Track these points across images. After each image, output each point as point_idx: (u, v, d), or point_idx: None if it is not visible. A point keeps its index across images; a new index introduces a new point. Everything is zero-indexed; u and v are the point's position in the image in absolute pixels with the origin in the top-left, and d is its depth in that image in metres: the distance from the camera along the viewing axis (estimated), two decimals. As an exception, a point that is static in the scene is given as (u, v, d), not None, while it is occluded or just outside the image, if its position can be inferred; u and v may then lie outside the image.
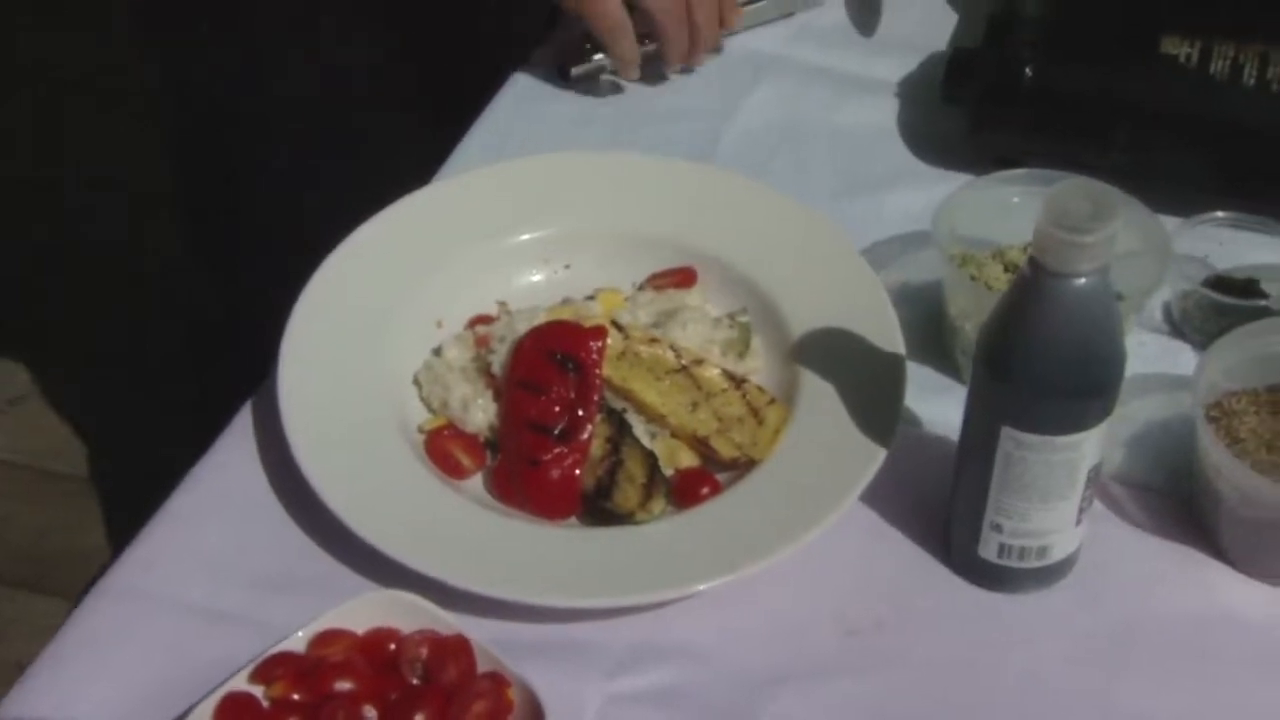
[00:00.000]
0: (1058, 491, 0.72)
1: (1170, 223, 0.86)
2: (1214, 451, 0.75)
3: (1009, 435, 0.70)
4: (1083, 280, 0.66)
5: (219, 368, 1.36)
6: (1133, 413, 0.82)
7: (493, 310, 0.87)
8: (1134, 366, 0.76)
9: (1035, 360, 0.68)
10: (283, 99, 1.12)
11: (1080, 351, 0.68)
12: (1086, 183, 0.67)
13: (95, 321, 1.99)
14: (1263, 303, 0.85)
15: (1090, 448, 0.71)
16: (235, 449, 0.83)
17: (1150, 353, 0.86)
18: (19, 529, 1.75)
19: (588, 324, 0.82)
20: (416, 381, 0.85)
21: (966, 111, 0.98)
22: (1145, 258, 0.83)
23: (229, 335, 1.30)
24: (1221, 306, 0.85)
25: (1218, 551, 0.78)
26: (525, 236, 0.90)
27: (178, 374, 1.48)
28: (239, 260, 1.24)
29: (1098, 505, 0.78)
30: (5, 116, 2.27)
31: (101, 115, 2.19)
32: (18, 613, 1.65)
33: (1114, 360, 0.69)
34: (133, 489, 1.68)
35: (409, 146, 1.02)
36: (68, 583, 1.59)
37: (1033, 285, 0.67)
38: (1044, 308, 0.67)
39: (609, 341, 0.82)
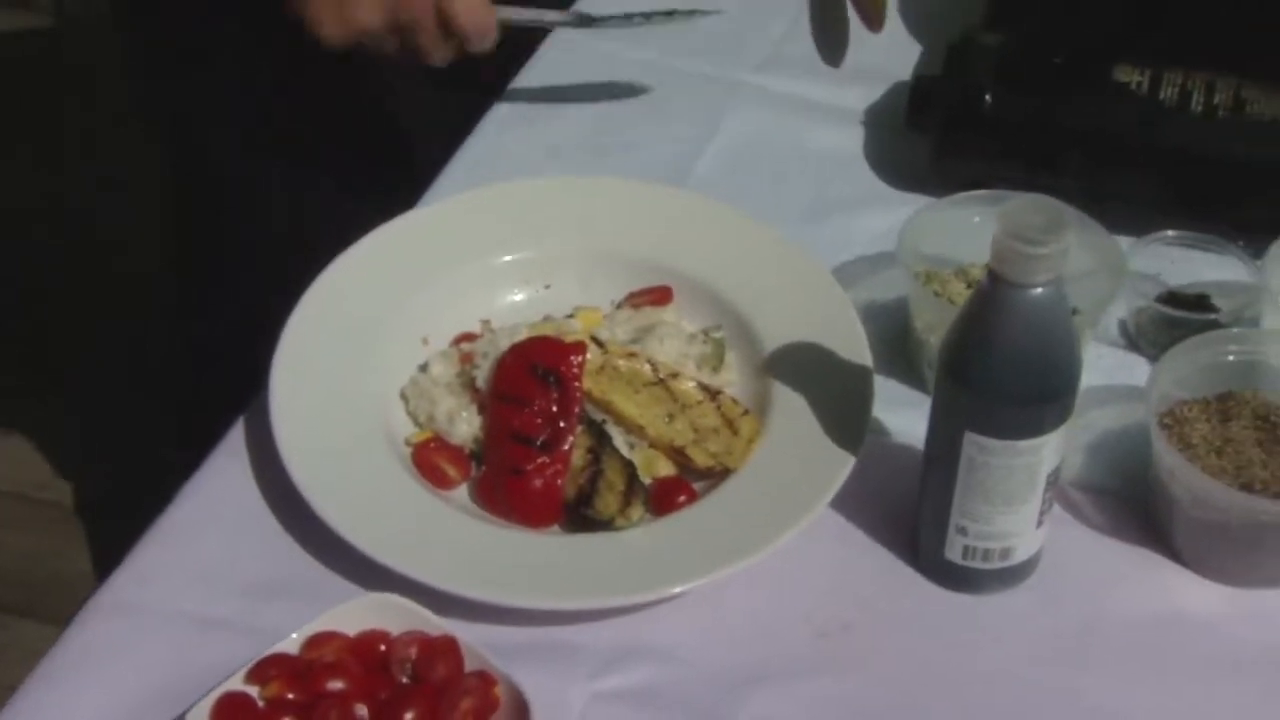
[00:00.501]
0: (1019, 495, 0.74)
1: (1124, 241, 0.89)
2: (1167, 457, 0.77)
3: (972, 440, 0.73)
4: (1038, 290, 0.69)
5: (213, 376, 1.37)
6: (1090, 422, 0.85)
7: (476, 328, 0.89)
8: (1091, 378, 0.79)
9: (995, 367, 0.71)
10: (278, 110, 1.14)
11: (1037, 359, 0.71)
12: (1040, 199, 0.69)
13: (94, 323, 2.00)
14: (1212, 316, 0.88)
15: (1049, 452, 0.73)
16: (227, 464, 0.85)
17: (1107, 365, 0.89)
18: (8, 556, 1.75)
19: (568, 339, 0.84)
20: (403, 396, 0.87)
21: (930, 138, 1.00)
22: (1101, 275, 0.86)
23: (226, 344, 1.31)
24: (1173, 320, 0.88)
25: (1172, 553, 0.80)
26: (507, 258, 0.93)
27: (173, 384, 1.49)
28: (236, 267, 1.25)
29: (1058, 509, 0.80)
30: (4, 118, 2.28)
31: (100, 119, 2.18)
32: (10, 638, 1.64)
33: (1070, 367, 0.72)
34: (121, 508, 1.69)
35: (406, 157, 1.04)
36: (58, 608, 1.58)
37: (991, 296, 0.70)
38: (1002, 317, 0.70)
39: (589, 356, 0.84)
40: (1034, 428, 0.72)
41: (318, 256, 0.92)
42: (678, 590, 0.76)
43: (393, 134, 1.22)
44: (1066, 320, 0.71)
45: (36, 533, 1.78)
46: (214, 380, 1.37)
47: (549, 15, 1.05)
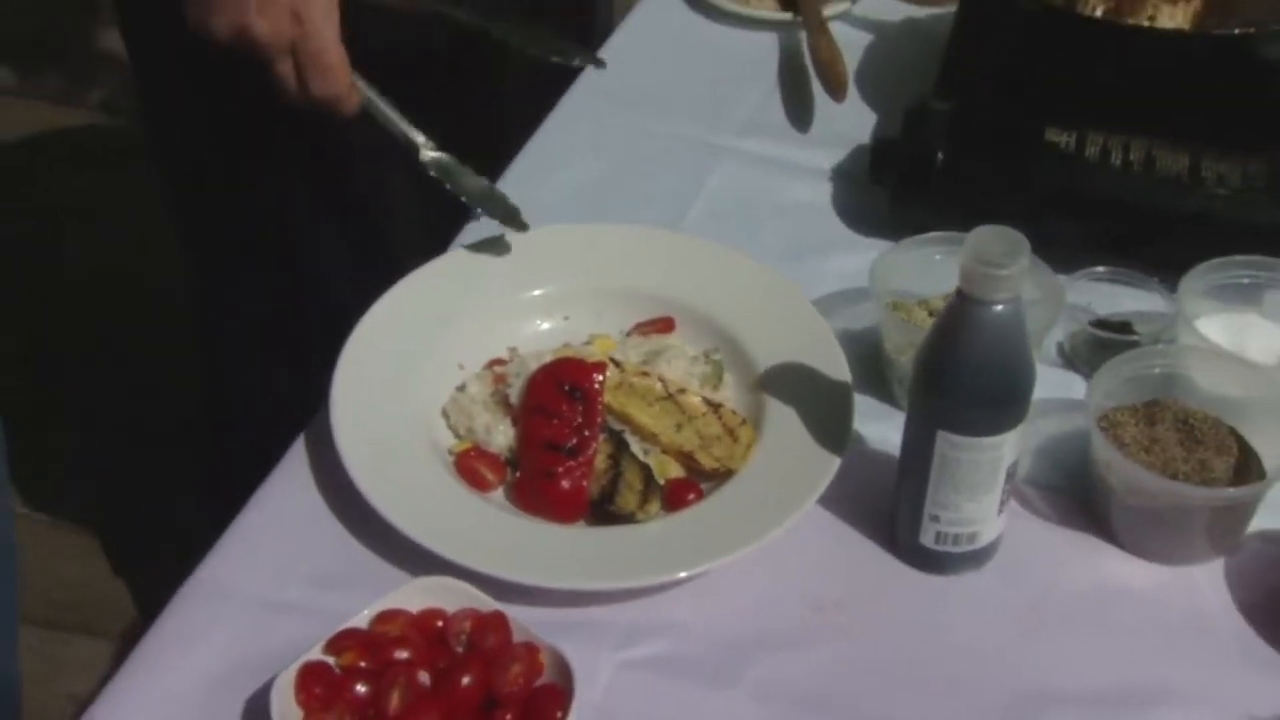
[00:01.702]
0: (984, 485, 0.79)
1: (1059, 277, 0.95)
2: (1105, 453, 0.83)
3: (944, 438, 0.78)
4: (1000, 307, 0.74)
5: (221, 398, 1.38)
6: (1038, 429, 0.90)
7: (505, 354, 0.93)
8: (1037, 392, 0.84)
9: (964, 374, 0.76)
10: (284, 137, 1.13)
11: (999, 366, 0.76)
12: (1001, 229, 0.74)
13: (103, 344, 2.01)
14: (1135, 338, 0.93)
15: (1009, 448, 0.79)
16: (293, 473, 0.89)
17: (1049, 382, 0.92)
18: (63, 580, 1.74)
19: (590, 360, 0.89)
20: (444, 413, 0.91)
21: (889, 191, 1.04)
22: (1043, 305, 0.91)
23: (235, 365, 1.33)
24: (1103, 343, 0.93)
25: (1110, 537, 0.85)
26: (531, 293, 0.97)
27: (183, 405, 1.50)
28: (241, 285, 1.26)
29: (1014, 504, 0.85)
30: (9, 156, 2.30)
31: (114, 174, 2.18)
32: (69, 654, 1.64)
33: (1026, 373, 0.77)
34: (144, 530, 1.70)
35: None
36: (112, 626, 1.61)
37: (960, 312, 0.75)
38: (970, 331, 0.75)
39: (608, 374, 0.88)
40: (996, 426, 0.77)
41: (320, 279, 0.94)
42: (690, 574, 0.81)
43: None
44: (1024, 333, 0.76)
45: (87, 560, 1.77)
46: (223, 403, 1.39)
47: (407, 130, 0.99)
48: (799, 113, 1.19)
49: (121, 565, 1.76)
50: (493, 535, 0.83)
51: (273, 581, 0.83)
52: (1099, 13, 1.12)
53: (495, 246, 0.99)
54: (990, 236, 0.74)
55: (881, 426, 0.90)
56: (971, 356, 0.76)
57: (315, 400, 0.90)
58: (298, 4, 0.92)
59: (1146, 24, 1.10)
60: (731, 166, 1.14)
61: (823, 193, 1.11)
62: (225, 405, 1.39)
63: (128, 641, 0.86)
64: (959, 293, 0.75)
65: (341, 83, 0.94)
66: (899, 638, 0.81)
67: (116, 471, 1.87)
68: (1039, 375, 0.91)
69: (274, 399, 0.98)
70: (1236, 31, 1.07)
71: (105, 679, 0.79)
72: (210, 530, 0.87)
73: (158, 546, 1.14)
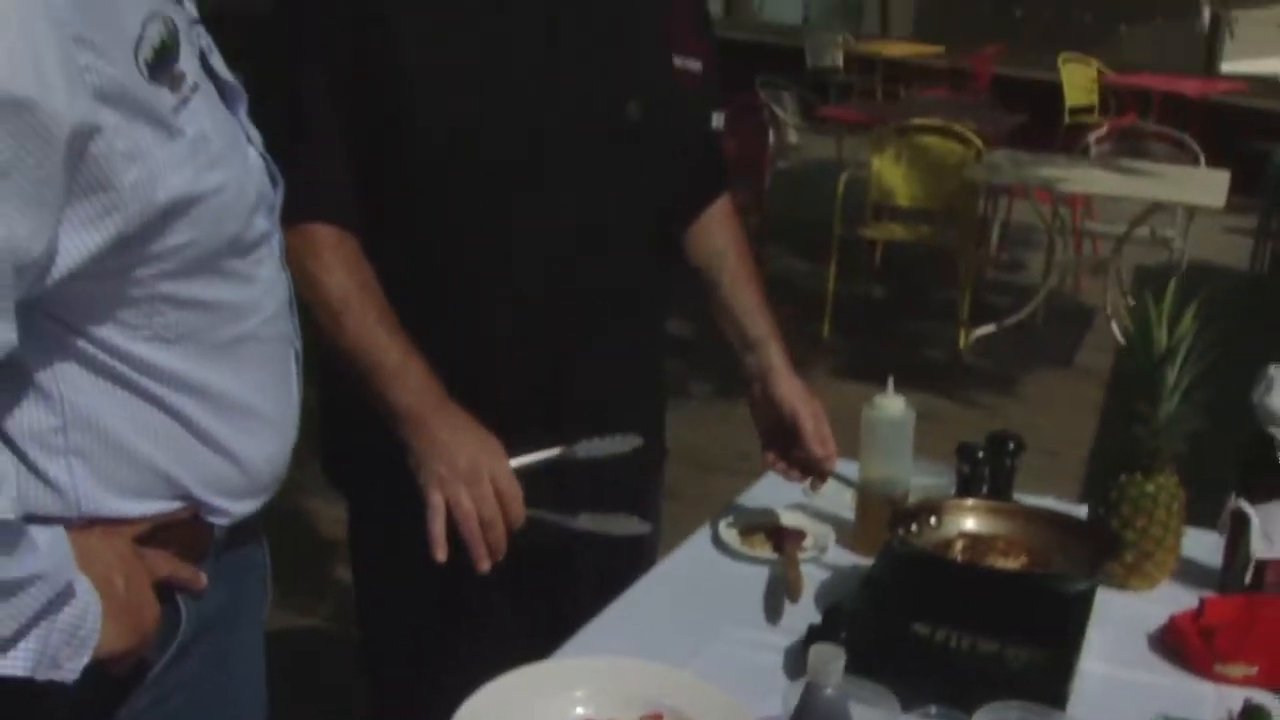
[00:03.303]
0: (830, 802, 1.23)
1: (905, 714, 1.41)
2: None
3: (802, 773, 1.23)
4: (829, 690, 1.22)
5: None
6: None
7: (557, 723, 1.43)
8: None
9: (813, 729, 1.23)
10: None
11: (832, 725, 1.23)
12: (829, 646, 1.24)
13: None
14: (959, 745, 1.38)
15: (846, 777, 1.23)
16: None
17: None
18: None
19: (611, 724, 1.38)
20: (523, 753, 1.39)
21: None
22: None
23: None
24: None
25: None
26: (574, 693, 1.47)
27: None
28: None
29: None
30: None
31: None
32: None
33: (847, 726, 1.24)
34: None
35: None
36: None
37: (810, 694, 1.23)
38: (815, 703, 1.23)
39: (618, 734, 1.37)
40: (834, 760, 1.23)
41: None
42: None
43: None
44: (846, 708, 1.23)
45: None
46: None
47: (560, 519, 1.63)
48: (773, 611, 1.71)
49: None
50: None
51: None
52: (960, 559, 1.65)
53: (565, 666, 1.51)
54: (824, 649, 1.23)
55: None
56: (819, 717, 1.23)
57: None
58: (495, 471, 1.56)
59: (990, 565, 1.63)
60: (726, 641, 1.64)
61: (778, 657, 1.61)
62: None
63: None
64: (808, 684, 1.24)
65: (520, 510, 1.57)
66: None
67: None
68: (894, 769, 1.37)
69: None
70: (1043, 573, 1.60)
71: None
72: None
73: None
